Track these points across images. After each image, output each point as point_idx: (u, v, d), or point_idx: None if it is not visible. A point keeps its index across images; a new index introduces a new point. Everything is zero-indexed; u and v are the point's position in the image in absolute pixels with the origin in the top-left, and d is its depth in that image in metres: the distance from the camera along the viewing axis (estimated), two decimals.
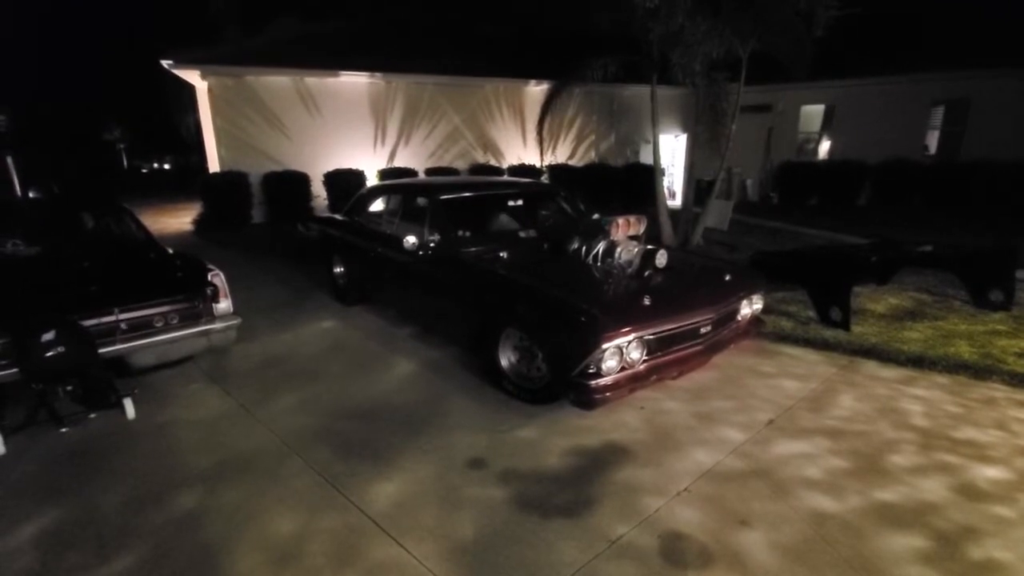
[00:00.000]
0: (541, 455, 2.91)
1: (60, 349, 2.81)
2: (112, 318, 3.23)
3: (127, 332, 3.28)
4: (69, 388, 3.07)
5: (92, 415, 3.15)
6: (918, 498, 2.55)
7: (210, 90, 9.99)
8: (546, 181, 11.64)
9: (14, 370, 2.91)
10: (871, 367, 3.97)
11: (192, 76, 10.41)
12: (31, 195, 12.08)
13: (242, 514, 2.48)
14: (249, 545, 2.29)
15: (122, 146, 34.06)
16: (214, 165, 10.75)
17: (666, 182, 11.20)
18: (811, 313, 4.73)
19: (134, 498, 2.60)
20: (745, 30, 6.53)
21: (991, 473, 2.74)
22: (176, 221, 11.41)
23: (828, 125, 13.61)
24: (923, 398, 3.51)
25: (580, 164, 13.55)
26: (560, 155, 13.61)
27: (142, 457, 2.94)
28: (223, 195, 9.87)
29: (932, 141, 12.30)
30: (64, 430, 3.11)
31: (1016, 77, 10.45)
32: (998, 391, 3.60)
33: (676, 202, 11.92)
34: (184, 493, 2.63)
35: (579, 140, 13.99)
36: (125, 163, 33.87)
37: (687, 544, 2.27)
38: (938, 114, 12.07)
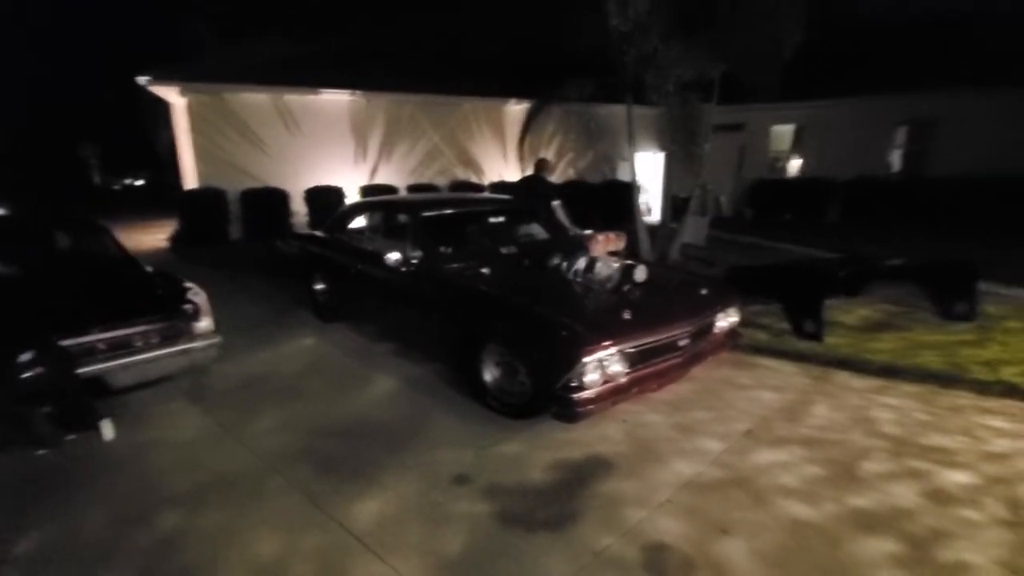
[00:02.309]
0: (525, 469, 2.93)
1: (38, 370, 2.75)
2: (90, 338, 3.17)
3: (106, 352, 3.22)
4: (46, 409, 2.99)
5: (70, 437, 3.07)
6: (891, 504, 2.64)
7: (188, 107, 9.92)
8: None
9: None
10: (844, 377, 4.10)
11: (169, 93, 10.33)
12: (2, 212, 11.73)
13: (224, 535, 2.44)
14: (231, 566, 2.26)
15: (94, 162, 33.39)
16: (190, 182, 10.63)
17: (644, 199, 11.42)
18: (785, 326, 4.86)
19: (114, 521, 2.54)
20: (715, 54, 6.79)
21: (959, 478, 2.84)
22: (150, 238, 11.20)
23: (798, 144, 14.09)
24: (894, 407, 3.64)
25: (560, 181, 13.73)
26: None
27: (121, 479, 2.87)
28: (200, 212, 9.75)
29: (896, 159, 12.82)
30: (41, 452, 3.01)
31: (974, 97, 11.01)
32: (964, 399, 3.74)
33: (654, 218, 12.14)
34: (165, 515, 2.57)
35: (558, 157, 14.19)
36: (97, 179, 33.16)
37: (670, 554, 2.31)
38: (901, 133, 12.60)
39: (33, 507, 2.64)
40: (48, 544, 2.40)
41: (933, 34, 12.84)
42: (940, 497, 2.69)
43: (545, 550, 2.33)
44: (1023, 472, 2.88)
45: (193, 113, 9.93)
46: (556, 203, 6.37)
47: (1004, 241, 8.92)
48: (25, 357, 2.72)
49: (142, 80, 9.43)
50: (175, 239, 9.97)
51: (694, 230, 9.15)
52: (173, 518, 2.56)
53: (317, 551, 2.34)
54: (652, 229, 8.37)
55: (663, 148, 14.69)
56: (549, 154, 13.87)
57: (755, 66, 7.08)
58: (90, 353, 3.17)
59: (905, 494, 2.71)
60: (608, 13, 6.59)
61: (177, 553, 2.34)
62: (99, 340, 3.21)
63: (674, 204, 8.92)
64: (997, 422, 3.41)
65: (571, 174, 14.41)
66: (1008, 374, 3.90)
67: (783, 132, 14.25)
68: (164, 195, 16.25)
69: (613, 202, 12.31)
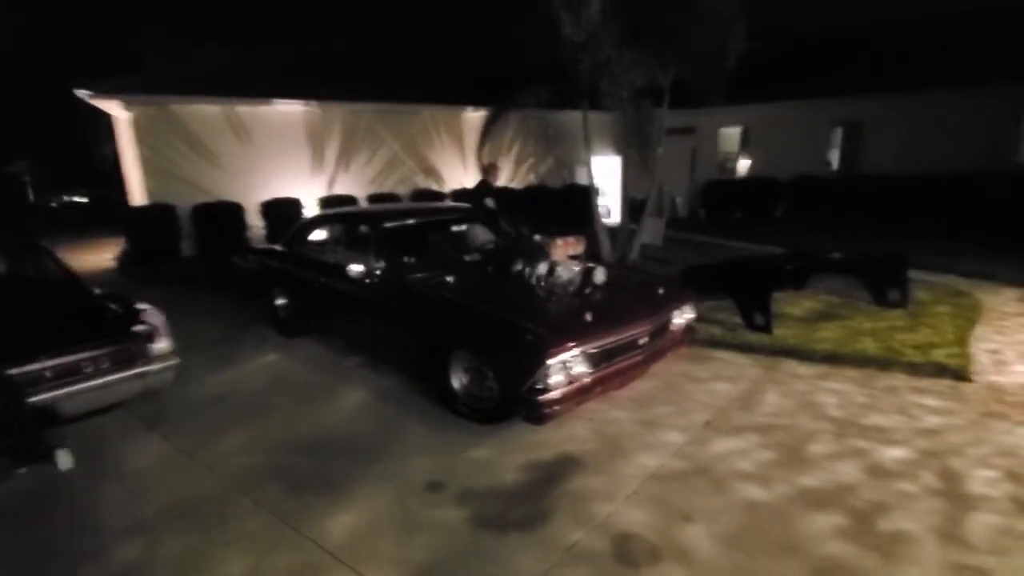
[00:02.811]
0: (496, 472, 2.99)
1: None
2: (37, 365, 3.04)
3: (54, 379, 3.09)
4: None
5: (21, 470, 2.95)
6: (836, 481, 2.83)
7: (134, 121, 9.55)
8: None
9: None
10: (792, 365, 4.34)
11: (112, 107, 9.92)
12: None
13: (189, 562, 2.40)
14: None
15: (27, 179, 31.57)
16: (137, 197, 10.22)
17: (603, 201, 11.68)
18: (738, 319, 5.10)
19: (71, 554, 2.46)
20: (664, 61, 7.07)
21: (896, 454, 3.07)
22: (96, 258, 10.69)
23: (745, 145, 14.70)
24: (836, 391, 3.89)
25: (520, 186, 13.88)
26: (501, 178, 13.89)
27: (78, 510, 2.78)
28: (149, 229, 9.39)
29: (834, 158, 13.56)
30: None
31: (899, 102, 11.81)
32: (899, 380, 4.02)
33: (613, 220, 12.43)
34: (125, 545, 2.51)
35: (518, 163, 14.34)
36: (32, 197, 31.34)
37: (637, 544, 2.42)
38: (838, 134, 13.34)
39: None
40: None
41: (866, 41, 13.72)
42: (880, 472, 2.90)
43: (518, 549, 2.40)
44: (954, 446, 3.13)
45: (139, 127, 9.57)
46: (488, 201, 6.58)
47: (929, 232, 9.58)
48: None
49: (82, 93, 9.04)
50: (123, 258, 9.56)
51: (652, 231, 9.43)
52: (134, 548, 2.49)
53: (290, 569, 2.33)
54: (612, 231, 8.59)
55: (619, 152, 15.10)
56: (508, 160, 14.02)
57: (702, 72, 7.41)
58: (38, 381, 3.04)
59: (848, 471, 2.91)
60: (562, 23, 6.76)
61: None
62: (46, 367, 3.08)
63: (632, 206, 9.17)
64: (929, 400, 3.69)
65: (532, 179, 14.57)
66: (938, 356, 4.23)
67: (731, 134, 14.84)
68: (108, 212, 15.50)
69: (573, 206, 12.53)
